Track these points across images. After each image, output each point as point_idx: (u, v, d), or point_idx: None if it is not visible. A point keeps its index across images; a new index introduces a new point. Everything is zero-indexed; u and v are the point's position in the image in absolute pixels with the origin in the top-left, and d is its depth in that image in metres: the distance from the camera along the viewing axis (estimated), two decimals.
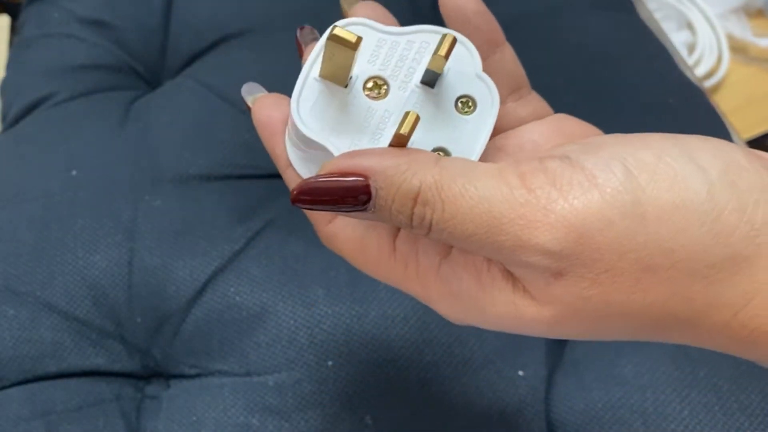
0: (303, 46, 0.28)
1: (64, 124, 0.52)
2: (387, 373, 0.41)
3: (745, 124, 0.81)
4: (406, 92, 0.25)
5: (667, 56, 0.59)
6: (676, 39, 0.86)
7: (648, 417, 0.39)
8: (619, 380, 0.41)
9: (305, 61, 0.26)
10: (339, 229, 0.26)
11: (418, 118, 0.23)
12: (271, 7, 0.58)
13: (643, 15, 0.64)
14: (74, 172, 0.48)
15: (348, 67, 0.24)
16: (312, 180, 0.23)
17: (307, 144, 0.25)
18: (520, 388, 0.41)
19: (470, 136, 0.25)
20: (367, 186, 0.22)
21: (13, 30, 0.66)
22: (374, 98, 0.25)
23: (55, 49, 0.57)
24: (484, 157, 0.26)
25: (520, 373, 0.42)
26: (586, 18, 0.60)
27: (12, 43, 0.62)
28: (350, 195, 0.22)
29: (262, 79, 0.56)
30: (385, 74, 0.25)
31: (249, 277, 0.44)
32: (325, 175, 0.23)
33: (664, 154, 0.21)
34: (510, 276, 0.23)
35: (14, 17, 0.68)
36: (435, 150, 0.25)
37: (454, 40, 0.24)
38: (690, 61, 0.85)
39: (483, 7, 0.27)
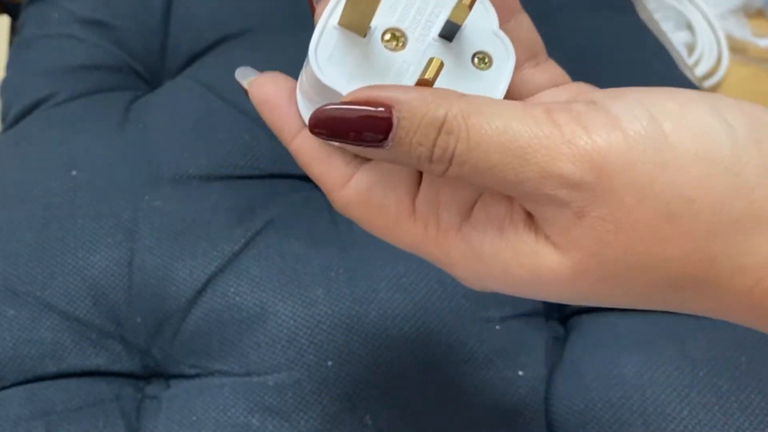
0: (314, 2, 0.27)
1: (64, 125, 0.52)
2: (387, 373, 0.41)
3: None
4: (423, 45, 0.25)
5: (666, 56, 0.59)
6: (676, 39, 0.86)
7: (648, 417, 0.40)
8: (618, 380, 0.41)
9: (318, 16, 0.26)
10: (355, 193, 0.25)
11: (442, 65, 0.23)
12: (271, 7, 0.58)
13: (642, 15, 0.64)
14: (74, 173, 0.48)
15: (370, 15, 0.24)
16: (331, 107, 0.23)
17: (324, 95, 0.25)
18: (520, 388, 0.41)
19: (486, 91, 0.25)
20: (389, 117, 0.22)
21: (13, 30, 0.66)
22: (392, 49, 0.25)
23: (55, 50, 0.57)
24: None
25: (520, 373, 0.42)
26: (586, 18, 0.60)
27: (12, 44, 0.62)
28: (370, 125, 0.22)
29: None
30: (403, 26, 0.25)
31: (249, 277, 0.44)
32: (345, 103, 0.22)
33: (691, 105, 0.21)
34: (532, 225, 0.22)
35: (14, 17, 0.68)
36: None
37: None
38: (690, 61, 0.85)
39: None
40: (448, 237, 0.24)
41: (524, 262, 0.23)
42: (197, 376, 0.43)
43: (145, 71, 0.58)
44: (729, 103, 0.21)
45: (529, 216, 0.23)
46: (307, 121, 0.26)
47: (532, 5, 0.59)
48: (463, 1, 0.24)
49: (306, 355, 0.42)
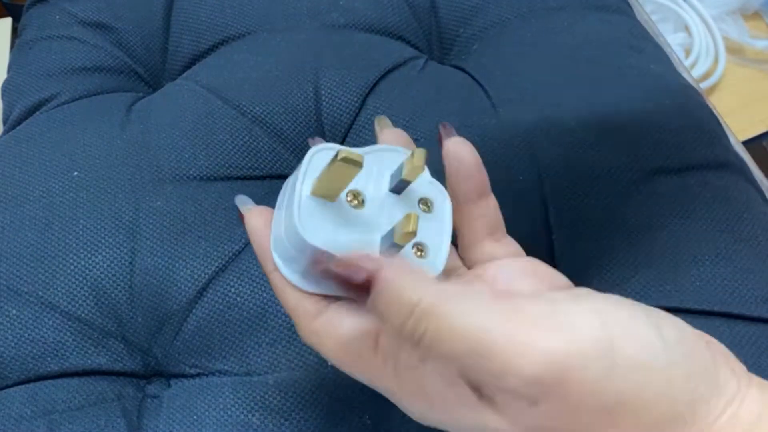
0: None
1: (66, 126, 0.52)
2: None
3: (741, 125, 0.81)
4: (380, 199, 0.30)
5: (664, 58, 0.59)
6: (673, 41, 0.87)
7: None
8: None
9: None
10: (324, 326, 0.28)
11: (417, 217, 0.28)
12: (271, 10, 0.58)
13: (639, 17, 0.65)
14: (76, 173, 0.48)
15: (345, 185, 0.29)
16: (332, 266, 0.26)
17: (304, 251, 0.28)
18: None
19: (436, 230, 0.31)
20: (368, 285, 0.25)
21: (15, 32, 0.66)
22: (356, 207, 0.30)
23: (56, 52, 0.57)
24: (467, 283, 0.31)
25: None
26: (583, 19, 0.60)
27: (14, 45, 0.62)
28: (357, 289, 0.25)
29: (261, 80, 0.56)
30: (359, 187, 0.30)
31: (249, 277, 0.44)
32: (341, 264, 0.25)
33: (636, 316, 0.24)
34: (483, 394, 0.24)
35: (16, 19, 0.68)
36: (416, 243, 0.30)
37: (426, 153, 0.29)
38: (687, 63, 0.85)
39: (478, 163, 0.31)
40: (405, 375, 0.26)
41: (469, 417, 0.25)
42: (198, 375, 0.43)
43: (145, 73, 0.58)
44: (664, 318, 0.25)
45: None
46: (278, 266, 0.30)
47: (530, 5, 0.59)
48: (415, 163, 0.29)
49: (306, 354, 0.42)
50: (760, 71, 0.88)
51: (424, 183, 0.31)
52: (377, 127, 0.34)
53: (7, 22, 0.74)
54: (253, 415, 0.40)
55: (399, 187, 0.30)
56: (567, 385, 0.22)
